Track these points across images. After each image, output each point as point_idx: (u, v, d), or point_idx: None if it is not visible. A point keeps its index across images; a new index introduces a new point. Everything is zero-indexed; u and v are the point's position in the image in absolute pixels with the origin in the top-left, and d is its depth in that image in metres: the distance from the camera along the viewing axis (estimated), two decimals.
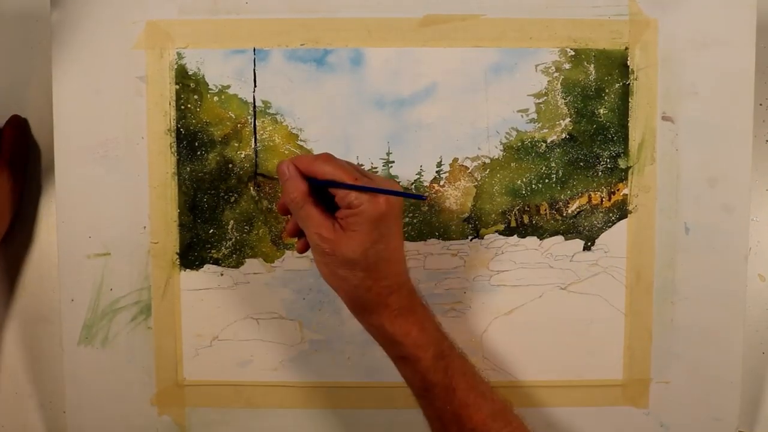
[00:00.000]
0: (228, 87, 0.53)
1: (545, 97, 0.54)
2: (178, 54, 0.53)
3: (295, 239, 0.48)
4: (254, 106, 0.54)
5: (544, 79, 0.53)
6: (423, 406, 0.46)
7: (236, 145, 0.54)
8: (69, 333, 0.54)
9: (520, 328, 0.55)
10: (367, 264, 0.42)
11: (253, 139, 0.54)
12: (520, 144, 0.54)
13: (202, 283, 0.54)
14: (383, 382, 0.55)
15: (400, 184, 0.54)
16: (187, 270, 0.54)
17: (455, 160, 0.54)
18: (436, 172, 0.54)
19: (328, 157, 0.43)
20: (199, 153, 0.54)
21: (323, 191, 0.43)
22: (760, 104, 0.57)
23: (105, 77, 0.53)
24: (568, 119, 0.54)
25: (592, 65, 0.53)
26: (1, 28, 0.57)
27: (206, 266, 0.54)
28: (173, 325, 0.54)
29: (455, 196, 0.54)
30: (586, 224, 0.54)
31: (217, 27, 0.53)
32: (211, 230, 0.54)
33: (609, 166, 0.54)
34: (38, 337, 0.58)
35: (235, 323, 0.55)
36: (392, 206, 0.42)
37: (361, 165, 0.54)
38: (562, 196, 0.54)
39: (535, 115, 0.54)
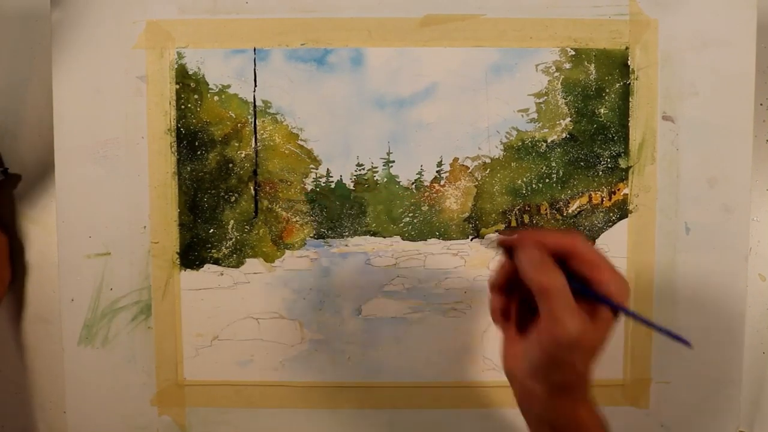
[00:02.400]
0: (228, 87, 0.53)
1: (545, 97, 0.54)
2: (179, 54, 0.53)
3: None
4: (254, 106, 0.53)
5: (545, 78, 0.53)
6: None
7: (236, 144, 0.54)
8: (69, 333, 0.54)
9: None
10: (594, 353, 0.40)
11: (253, 139, 0.54)
12: (520, 144, 0.54)
13: (202, 283, 0.54)
14: (383, 382, 0.55)
15: (401, 184, 0.54)
16: (188, 270, 0.54)
17: (455, 159, 0.54)
18: (437, 171, 0.54)
19: (601, 260, 0.39)
20: (199, 153, 0.54)
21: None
22: (761, 104, 0.57)
23: (105, 77, 0.53)
24: (569, 119, 0.54)
25: (593, 65, 0.53)
26: (1, 28, 0.57)
27: (206, 266, 0.54)
28: (173, 325, 0.54)
29: (455, 196, 0.54)
30: (586, 224, 0.54)
31: (218, 27, 0.53)
32: (212, 230, 0.54)
33: (609, 165, 0.54)
34: (38, 337, 0.58)
35: (235, 323, 0.55)
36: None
37: (362, 165, 0.54)
38: (562, 196, 0.54)
39: (535, 115, 0.54)
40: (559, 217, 0.54)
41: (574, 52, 0.53)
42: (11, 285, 0.57)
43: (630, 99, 0.53)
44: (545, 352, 0.40)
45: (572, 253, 0.39)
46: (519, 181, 0.54)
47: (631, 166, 0.54)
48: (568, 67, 0.53)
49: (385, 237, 0.54)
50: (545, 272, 0.39)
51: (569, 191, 0.54)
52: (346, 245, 0.54)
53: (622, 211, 0.54)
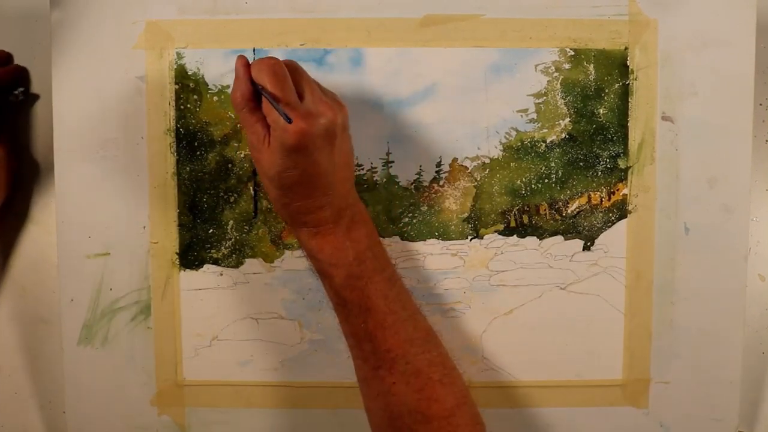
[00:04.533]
0: (228, 87, 0.53)
1: (545, 97, 0.54)
2: (178, 54, 0.53)
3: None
4: None
5: (544, 79, 0.53)
6: (340, 321, 0.47)
7: (236, 145, 0.54)
8: (69, 333, 0.54)
9: (519, 328, 0.55)
10: (281, 184, 0.43)
11: None
12: (519, 144, 0.54)
13: (201, 283, 0.54)
14: None
15: (400, 184, 0.54)
16: (187, 270, 0.54)
17: (455, 160, 0.54)
18: (436, 172, 0.54)
19: (270, 64, 0.42)
20: (198, 153, 0.54)
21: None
22: (760, 104, 0.57)
23: (105, 77, 0.53)
24: (568, 119, 0.54)
25: (592, 65, 0.53)
26: (1, 28, 0.57)
27: (206, 266, 0.54)
28: (173, 325, 0.54)
29: (455, 196, 0.54)
30: (585, 224, 0.54)
31: (217, 27, 0.53)
32: (211, 230, 0.54)
33: (609, 166, 0.54)
34: (38, 337, 0.58)
35: (235, 323, 0.55)
36: (309, 135, 0.41)
37: (361, 165, 0.54)
38: (561, 196, 0.54)
39: (534, 115, 0.54)
40: (558, 217, 0.54)
41: (573, 53, 0.53)
42: (11, 283, 0.58)
43: (629, 99, 0.53)
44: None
45: (254, 77, 0.43)
46: (518, 182, 0.54)
47: (630, 167, 0.54)
48: (567, 68, 0.53)
49: (384, 237, 0.54)
50: (234, 88, 0.44)
51: (568, 191, 0.54)
52: None
53: (621, 211, 0.54)
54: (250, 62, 0.44)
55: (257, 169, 0.46)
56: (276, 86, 0.41)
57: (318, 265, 0.46)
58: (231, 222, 0.54)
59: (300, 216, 0.45)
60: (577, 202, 0.54)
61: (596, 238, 0.54)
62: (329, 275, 0.46)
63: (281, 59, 0.43)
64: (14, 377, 0.58)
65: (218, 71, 0.53)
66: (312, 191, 0.44)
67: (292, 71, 0.44)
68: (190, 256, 0.54)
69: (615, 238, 0.54)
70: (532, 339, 0.55)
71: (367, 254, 0.46)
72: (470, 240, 0.54)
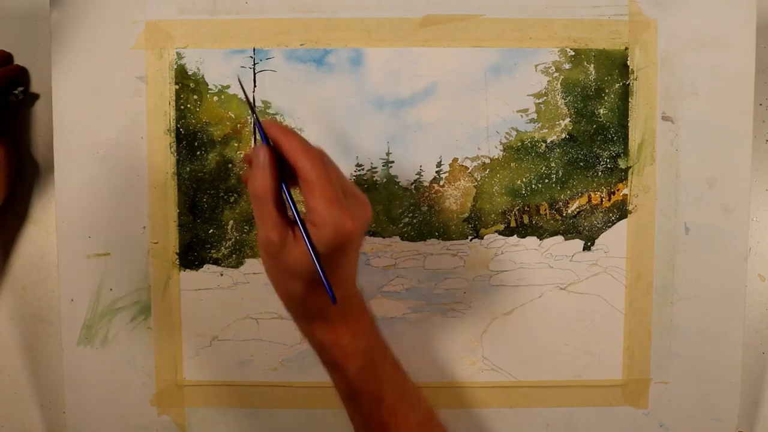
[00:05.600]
0: (228, 87, 0.53)
1: (545, 97, 0.54)
2: (178, 54, 0.53)
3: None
4: (254, 106, 0.53)
5: (544, 79, 0.53)
6: (350, 412, 0.45)
7: (236, 145, 0.54)
8: (69, 333, 0.54)
9: (519, 328, 0.55)
10: (311, 279, 0.40)
11: (252, 140, 0.54)
12: (519, 144, 0.54)
13: (201, 283, 0.54)
14: None
15: (400, 184, 0.54)
16: (187, 270, 0.54)
17: (455, 160, 0.54)
18: (436, 172, 0.54)
19: (316, 157, 0.39)
20: (198, 153, 0.54)
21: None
22: (760, 104, 0.57)
23: (105, 77, 0.53)
24: (568, 119, 0.54)
25: (592, 65, 0.53)
26: (1, 28, 0.57)
27: (206, 266, 0.54)
28: (173, 325, 0.54)
29: (455, 196, 0.54)
30: (585, 224, 0.54)
31: (217, 27, 0.53)
32: (211, 230, 0.54)
33: (609, 166, 0.54)
34: (38, 337, 0.58)
35: (235, 323, 0.55)
36: (352, 236, 0.38)
37: (361, 165, 0.54)
38: (561, 197, 0.54)
39: (534, 115, 0.54)
40: (558, 217, 0.54)
41: (573, 53, 0.53)
42: (11, 283, 0.58)
43: (629, 99, 0.53)
44: (264, 268, 0.42)
45: (293, 165, 0.39)
46: (518, 182, 0.54)
47: (630, 167, 0.54)
48: (567, 68, 0.53)
49: (384, 237, 0.54)
50: (248, 178, 0.40)
51: (568, 192, 0.54)
52: None
53: (621, 211, 0.54)
54: (276, 125, 0.40)
55: (271, 266, 0.41)
56: (329, 184, 0.38)
57: (332, 358, 0.43)
58: (231, 222, 0.54)
59: (317, 311, 0.42)
60: (577, 202, 0.54)
61: (596, 238, 0.54)
62: (343, 367, 0.43)
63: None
64: (14, 377, 0.58)
65: (218, 71, 0.53)
66: (336, 286, 0.41)
67: (327, 161, 0.40)
68: (190, 256, 0.54)
69: (615, 238, 0.54)
70: (532, 339, 0.55)
71: (375, 342, 0.45)
72: (470, 240, 0.54)
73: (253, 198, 0.40)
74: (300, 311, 0.43)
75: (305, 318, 0.43)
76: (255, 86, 0.53)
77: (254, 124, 0.45)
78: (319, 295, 0.41)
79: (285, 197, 0.40)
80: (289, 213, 0.40)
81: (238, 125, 0.54)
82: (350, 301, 0.44)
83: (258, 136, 0.53)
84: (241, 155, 0.54)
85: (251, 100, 0.45)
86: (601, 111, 0.54)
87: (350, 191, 0.41)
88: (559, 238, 0.54)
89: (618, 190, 0.54)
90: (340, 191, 0.39)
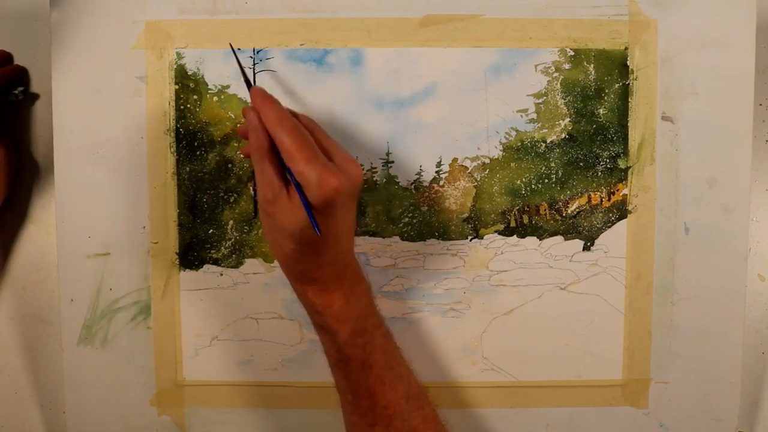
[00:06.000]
0: (228, 87, 0.53)
1: (545, 97, 0.54)
2: (178, 54, 0.53)
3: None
4: None
5: (544, 79, 0.53)
6: (337, 377, 0.46)
7: (236, 145, 0.54)
8: (69, 333, 0.54)
9: (519, 328, 0.55)
10: (300, 239, 0.41)
11: None
12: (519, 144, 0.54)
13: (201, 283, 0.54)
14: None
15: (400, 184, 0.54)
16: (187, 270, 0.54)
17: (455, 160, 0.54)
18: (436, 172, 0.54)
19: (291, 126, 0.41)
20: (198, 153, 0.54)
21: None
22: (760, 104, 0.57)
23: (105, 77, 0.53)
24: (568, 119, 0.54)
25: (592, 65, 0.53)
26: (1, 28, 0.57)
27: (206, 266, 0.54)
28: (173, 325, 0.54)
29: (455, 196, 0.54)
30: (585, 224, 0.54)
31: (217, 27, 0.53)
32: (211, 230, 0.54)
33: (609, 166, 0.54)
34: (38, 337, 0.58)
35: (235, 323, 0.55)
36: (341, 192, 0.40)
37: (361, 165, 0.54)
38: (561, 197, 0.54)
39: (534, 115, 0.54)
40: (558, 217, 0.54)
41: (573, 53, 0.53)
42: (11, 283, 0.58)
43: (629, 99, 0.53)
44: (263, 227, 0.44)
45: (273, 137, 0.41)
46: (518, 182, 0.54)
47: (630, 167, 0.54)
48: (567, 68, 0.53)
49: (384, 237, 0.54)
50: (251, 138, 0.42)
51: (568, 192, 0.54)
52: None
53: (621, 211, 0.54)
54: (259, 95, 0.43)
55: (266, 223, 0.43)
56: (303, 146, 0.40)
57: (323, 321, 0.45)
58: (231, 222, 0.54)
59: (309, 272, 0.44)
60: (577, 202, 0.54)
61: (596, 238, 0.54)
62: (334, 331, 0.44)
63: (298, 113, 0.43)
64: (14, 377, 0.58)
65: (218, 71, 0.53)
66: (327, 248, 0.43)
67: (313, 128, 0.43)
68: (190, 256, 0.54)
69: (615, 238, 0.54)
70: (532, 339, 0.55)
71: (368, 310, 0.46)
72: (470, 240, 0.54)
73: (253, 157, 0.42)
74: (293, 271, 0.44)
75: (299, 278, 0.44)
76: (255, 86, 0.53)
77: (245, 83, 0.47)
78: (312, 256, 0.42)
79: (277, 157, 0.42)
80: (288, 161, 0.41)
81: (238, 125, 0.54)
82: (346, 266, 0.45)
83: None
84: (242, 155, 0.54)
85: (242, 65, 0.47)
86: (601, 111, 0.54)
87: (337, 153, 0.43)
88: (559, 238, 0.54)
89: (618, 190, 0.54)
90: (322, 153, 0.41)
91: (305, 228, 0.41)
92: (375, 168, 0.54)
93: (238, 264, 0.54)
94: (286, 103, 0.53)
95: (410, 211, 0.54)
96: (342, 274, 0.44)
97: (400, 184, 0.54)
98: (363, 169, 0.54)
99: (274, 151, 0.42)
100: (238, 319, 0.55)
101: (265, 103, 0.42)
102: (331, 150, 0.43)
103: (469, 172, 0.54)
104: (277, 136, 0.41)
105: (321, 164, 0.40)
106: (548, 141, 0.54)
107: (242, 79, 0.47)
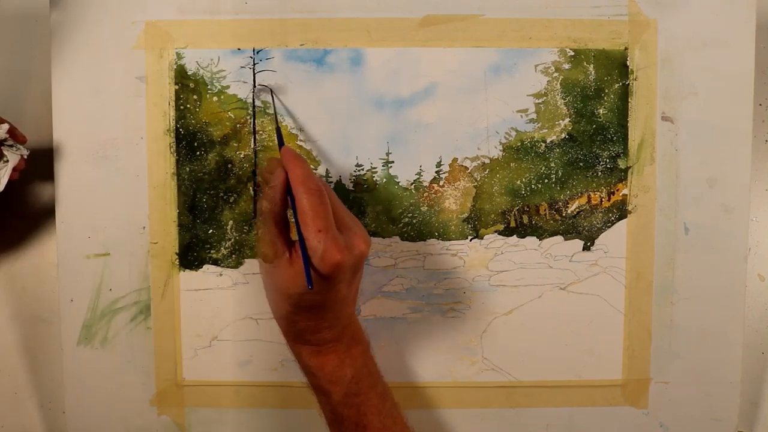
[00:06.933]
0: (228, 87, 0.53)
1: (545, 97, 0.54)
2: (178, 54, 0.53)
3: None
4: (254, 107, 0.53)
5: (544, 79, 0.53)
6: None
7: (235, 145, 0.54)
8: (68, 333, 0.54)
9: (519, 328, 0.55)
10: (299, 303, 0.42)
11: (252, 140, 0.54)
12: (519, 144, 0.54)
13: (201, 284, 0.54)
14: None
15: (400, 184, 0.54)
16: (187, 270, 0.54)
17: (455, 160, 0.54)
18: (436, 172, 0.54)
19: (314, 189, 0.41)
20: (198, 153, 0.54)
21: None
22: (760, 104, 0.57)
23: (104, 77, 0.53)
24: (568, 119, 0.54)
25: (592, 65, 0.53)
26: (1, 28, 0.57)
27: (205, 266, 0.54)
28: (172, 326, 0.54)
29: (455, 196, 0.54)
30: (585, 224, 0.54)
31: (217, 27, 0.53)
32: (211, 230, 0.54)
33: (608, 166, 0.54)
34: (38, 337, 0.58)
35: (235, 323, 0.55)
36: (343, 268, 0.41)
37: (361, 165, 0.54)
38: (561, 197, 0.54)
39: (534, 115, 0.54)
40: (558, 217, 0.54)
41: (573, 53, 0.53)
42: (11, 283, 0.58)
43: (629, 99, 0.53)
44: (262, 280, 0.45)
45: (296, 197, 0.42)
46: (518, 182, 0.54)
47: (630, 167, 0.54)
48: (567, 68, 0.53)
49: (384, 237, 0.54)
50: (265, 195, 0.43)
51: (568, 192, 0.54)
52: None
53: (621, 211, 0.54)
54: (290, 152, 0.43)
55: (265, 281, 0.45)
56: (319, 216, 0.40)
57: (316, 381, 0.45)
58: (231, 222, 0.54)
59: (305, 334, 0.44)
60: (577, 202, 0.54)
61: (596, 238, 0.54)
62: (327, 392, 0.45)
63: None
64: (14, 377, 0.58)
65: (218, 71, 0.53)
66: (326, 314, 0.43)
67: (331, 196, 0.44)
68: (190, 256, 0.54)
69: (615, 238, 0.54)
70: (532, 339, 0.55)
71: (364, 371, 0.46)
72: (470, 240, 0.54)
73: (259, 213, 0.43)
74: (290, 332, 0.45)
75: (294, 339, 0.45)
76: (255, 86, 0.53)
77: (278, 139, 0.49)
78: (309, 320, 0.43)
79: (295, 218, 0.42)
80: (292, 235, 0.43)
81: (238, 125, 0.54)
82: (344, 329, 0.45)
83: (260, 138, 0.53)
84: (242, 155, 0.54)
85: (276, 116, 0.49)
86: (601, 111, 0.54)
87: (347, 225, 0.43)
88: (559, 238, 0.54)
89: (618, 190, 0.54)
90: (333, 224, 0.41)
91: (305, 294, 0.41)
92: (375, 168, 0.54)
93: (237, 264, 0.54)
94: (286, 103, 0.53)
95: (410, 211, 0.54)
96: (339, 336, 0.44)
97: (400, 184, 0.54)
98: (363, 169, 0.54)
99: (283, 215, 0.43)
100: (237, 319, 0.55)
101: (295, 161, 0.43)
102: (346, 221, 0.43)
103: (469, 172, 0.54)
104: (298, 196, 0.41)
105: (330, 237, 0.40)
106: (548, 141, 0.54)
107: (275, 135, 0.49)
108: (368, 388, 0.45)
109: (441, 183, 0.54)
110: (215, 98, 0.53)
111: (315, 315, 0.43)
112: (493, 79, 0.53)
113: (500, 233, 0.54)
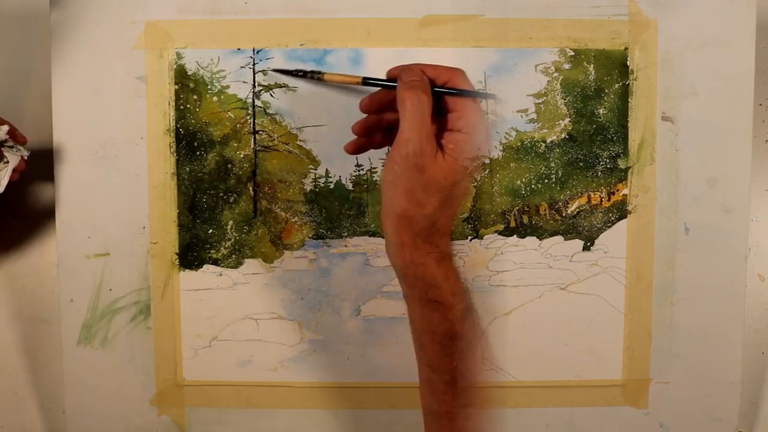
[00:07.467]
0: (228, 87, 0.53)
1: (545, 97, 0.54)
2: (178, 54, 0.53)
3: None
4: (253, 107, 0.54)
5: (544, 79, 0.53)
6: (434, 354, 0.43)
7: (235, 145, 0.54)
8: (68, 333, 0.54)
9: (519, 328, 0.55)
10: (450, 194, 0.40)
11: (252, 140, 0.54)
12: (519, 144, 0.54)
13: (201, 284, 0.54)
14: (383, 382, 0.55)
15: None
16: (187, 270, 0.54)
17: None
18: None
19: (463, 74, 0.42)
20: (198, 153, 0.54)
21: None
22: (760, 104, 0.57)
23: (104, 77, 0.53)
24: (568, 119, 0.54)
25: (592, 65, 0.53)
26: (1, 28, 0.57)
27: (205, 266, 0.54)
28: (172, 326, 0.54)
29: None
30: (585, 224, 0.54)
31: (217, 27, 0.53)
32: (211, 230, 0.54)
33: (608, 166, 0.54)
34: (38, 337, 0.58)
35: (234, 323, 0.55)
36: (480, 156, 0.42)
37: (361, 165, 0.54)
38: (561, 197, 0.54)
39: (534, 115, 0.54)
40: (558, 217, 0.54)
41: (573, 53, 0.53)
42: (11, 283, 0.58)
43: (629, 99, 0.53)
44: (389, 167, 0.41)
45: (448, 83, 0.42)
46: (518, 182, 0.54)
47: (630, 167, 0.54)
48: (567, 68, 0.53)
49: (384, 237, 0.54)
50: (412, 88, 0.41)
51: (568, 192, 0.54)
52: (345, 246, 0.54)
53: (621, 211, 0.54)
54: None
55: (412, 178, 0.41)
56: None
57: (439, 294, 0.41)
58: (231, 222, 0.54)
59: (438, 236, 0.41)
60: (577, 203, 0.54)
61: (596, 238, 0.54)
62: (450, 306, 0.41)
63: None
64: (14, 377, 0.58)
65: (218, 71, 0.53)
66: (458, 209, 0.42)
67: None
68: (190, 256, 0.54)
69: (615, 238, 0.54)
70: (532, 339, 0.55)
71: (468, 287, 0.44)
72: (470, 240, 0.54)
73: (412, 110, 0.40)
74: (427, 233, 0.41)
75: (427, 239, 0.41)
76: (254, 86, 0.53)
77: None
78: (447, 217, 0.41)
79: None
80: (453, 117, 0.42)
81: (238, 125, 0.54)
82: (451, 240, 0.43)
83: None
84: (241, 155, 0.54)
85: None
86: (601, 111, 0.54)
87: None
88: (559, 238, 0.54)
89: (618, 190, 0.54)
90: None
91: (460, 182, 0.41)
92: (375, 168, 0.54)
93: (237, 264, 0.54)
94: (285, 103, 0.53)
95: None
96: (451, 249, 0.43)
97: None
98: (363, 169, 0.54)
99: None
100: (237, 320, 0.55)
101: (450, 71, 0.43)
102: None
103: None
104: (452, 80, 0.42)
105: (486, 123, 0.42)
106: (548, 141, 0.54)
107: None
108: (474, 307, 0.44)
109: None
110: (215, 98, 0.54)
111: (455, 207, 0.41)
112: (493, 79, 0.53)
113: (500, 233, 0.54)
